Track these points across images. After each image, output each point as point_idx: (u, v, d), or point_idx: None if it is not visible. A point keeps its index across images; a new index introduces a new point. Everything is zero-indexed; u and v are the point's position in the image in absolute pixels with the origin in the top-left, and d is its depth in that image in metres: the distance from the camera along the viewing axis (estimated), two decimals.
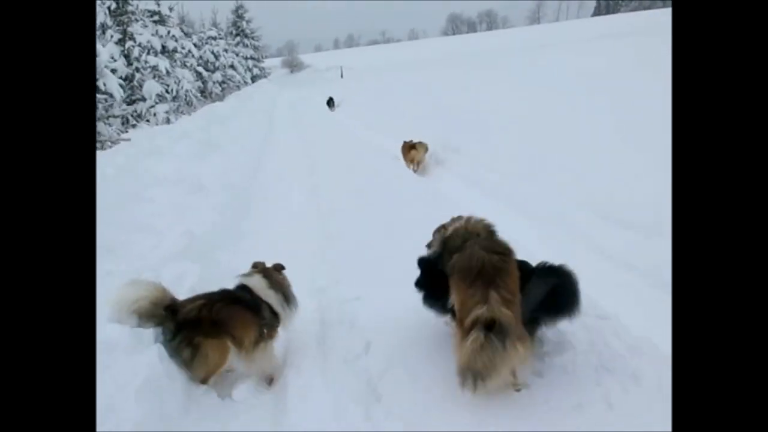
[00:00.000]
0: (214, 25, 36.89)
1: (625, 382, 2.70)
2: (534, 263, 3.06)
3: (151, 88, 16.84)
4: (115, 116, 10.69)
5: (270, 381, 3.10)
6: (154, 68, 17.61)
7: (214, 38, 32.14)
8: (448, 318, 3.10)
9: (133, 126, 15.36)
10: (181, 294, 3.52)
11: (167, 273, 3.69)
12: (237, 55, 37.40)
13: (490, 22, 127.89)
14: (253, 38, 42.82)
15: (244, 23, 42.23)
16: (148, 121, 16.39)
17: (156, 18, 20.00)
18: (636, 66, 10.27)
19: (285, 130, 15.56)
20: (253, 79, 40.24)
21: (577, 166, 6.42)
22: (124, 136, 10.41)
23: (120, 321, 2.83)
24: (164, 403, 2.61)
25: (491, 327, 2.44)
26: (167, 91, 18.53)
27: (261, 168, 9.79)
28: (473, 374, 2.43)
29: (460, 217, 3.15)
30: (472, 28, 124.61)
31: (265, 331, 3.04)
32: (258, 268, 3.28)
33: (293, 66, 56.22)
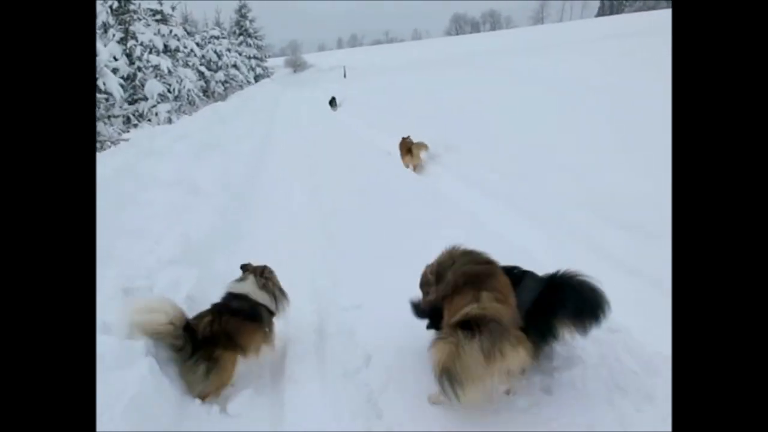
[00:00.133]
0: (217, 24, 36.84)
1: (639, 401, 2.57)
2: (533, 269, 2.96)
3: (153, 87, 16.75)
4: (115, 116, 10.61)
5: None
6: (156, 67, 17.53)
7: (217, 37, 32.07)
8: None
9: (135, 126, 15.27)
10: (178, 300, 3.43)
11: (162, 279, 3.58)
12: (240, 54, 37.35)
13: (494, 22, 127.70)
14: (256, 38, 42.75)
15: (247, 23, 42.16)
16: (149, 120, 16.31)
17: (158, 17, 19.92)
18: (638, 66, 10.14)
19: (287, 129, 15.47)
20: (256, 78, 40.18)
21: (577, 166, 6.39)
22: (124, 136, 10.31)
23: (133, 338, 2.78)
24: (156, 419, 2.49)
25: (480, 324, 2.30)
26: (169, 91, 18.45)
27: (262, 168, 9.70)
28: (449, 378, 2.22)
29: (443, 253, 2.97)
30: (475, 28, 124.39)
31: (267, 330, 3.14)
32: (248, 270, 3.33)
33: (296, 65, 56.13)
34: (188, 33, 25.21)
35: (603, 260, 4.56)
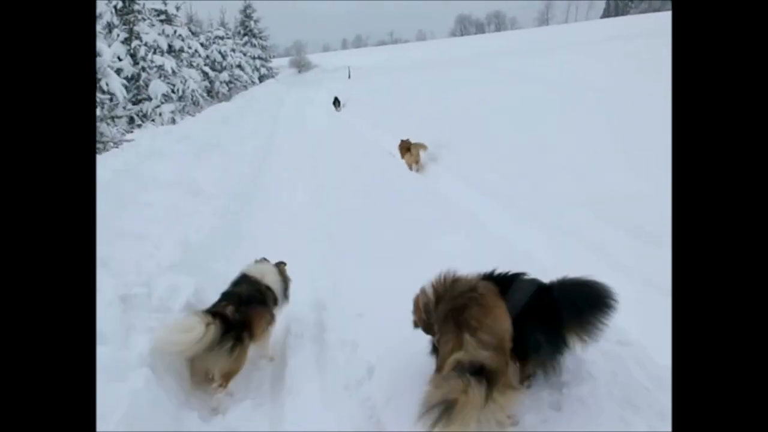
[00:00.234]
0: (222, 24, 36.81)
1: (651, 418, 2.46)
2: (535, 269, 2.88)
3: (157, 87, 16.71)
4: (118, 117, 10.56)
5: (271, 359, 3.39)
6: (160, 68, 17.49)
7: (222, 38, 32.03)
8: None
9: (139, 126, 15.23)
10: (176, 309, 3.35)
11: (161, 285, 3.49)
12: (245, 54, 37.31)
13: (499, 23, 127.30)
14: (261, 38, 42.72)
15: (252, 23, 42.13)
16: (153, 121, 16.26)
17: (163, 17, 19.88)
18: (641, 68, 10.04)
19: (291, 130, 15.44)
20: (261, 79, 40.13)
21: (577, 166, 6.38)
22: (127, 136, 10.25)
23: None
24: None
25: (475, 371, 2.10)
26: (173, 91, 18.41)
27: (264, 170, 9.66)
28: (445, 410, 2.03)
29: (419, 297, 2.79)
30: (480, 29, 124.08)
31: (272, 314, 3.33)
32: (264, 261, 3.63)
33: (301, 66, 56.09)
34: (193, 33, 25.18)
35: (602, 260, 4.53)
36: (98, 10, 15.89)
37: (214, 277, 4.11)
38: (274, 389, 3.05)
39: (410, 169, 8.71)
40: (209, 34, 30.78)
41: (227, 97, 26.84)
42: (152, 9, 18.97)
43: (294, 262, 4.43)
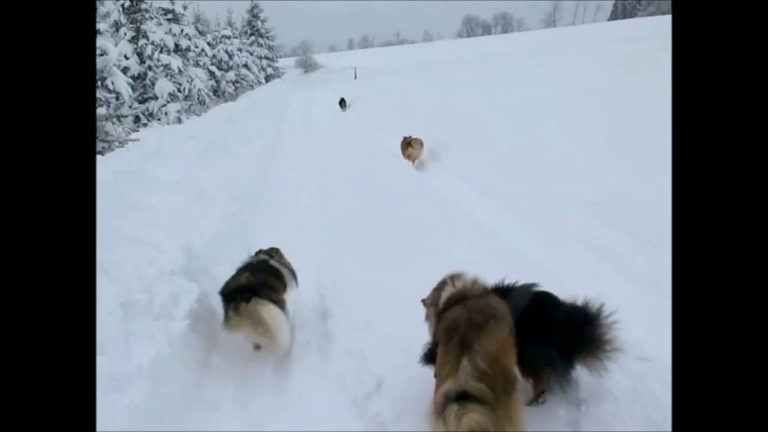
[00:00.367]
0: (229, 24, 36.81)
1: None
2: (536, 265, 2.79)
3: (163, 86, 16.67)
4: (123, 116, 10.48)
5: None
6: (167, 67, 17.45)
7: (229, 37, 32.02)
8: None
9: (144, 125, 15.18)
10: (178, 317, 3.25)
11: (163, 292, 3.38)
12: (251, 54, 37.30)
13: (506, 24, 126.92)
14: (267, 38, 42.70)
15: (259, 23, 42.12)
16: (159, 120, 16.22)
17: (170, 16, 19.85)
18: (646, 71, 9.92)
19: (297, 130, 15.39)
20: (267, 78, 40.11)
21: (576, 167, 6.41)
22: (132, 136, 10.17)
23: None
24: None
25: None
26: (179, 90, 18.36)
27: (270, 170, 9.57)
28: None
29: (447, 281, 2.63)
30: (487, 30, 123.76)
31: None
32: (263, 252, 3.85)
33: (307, 66, 56.06)
34: (200, 32, 25.15)
35: (601, 262, 4.50)
36: (106, 9, 15.85)
37: (217, 282, 4.00)
38: (278, 403, 2.93)
39: (412, 163, 9.03)
40: (216, 34, 30.78)
41: (233, 97, 26.81)
42: (159, 8, 18.94)
43: (300, 265, 4.36)
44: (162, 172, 5.78)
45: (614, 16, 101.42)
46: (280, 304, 3.27)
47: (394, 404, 2.71)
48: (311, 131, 14.60)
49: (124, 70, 15.15)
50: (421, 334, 3.25)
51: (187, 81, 19.15)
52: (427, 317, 2.70)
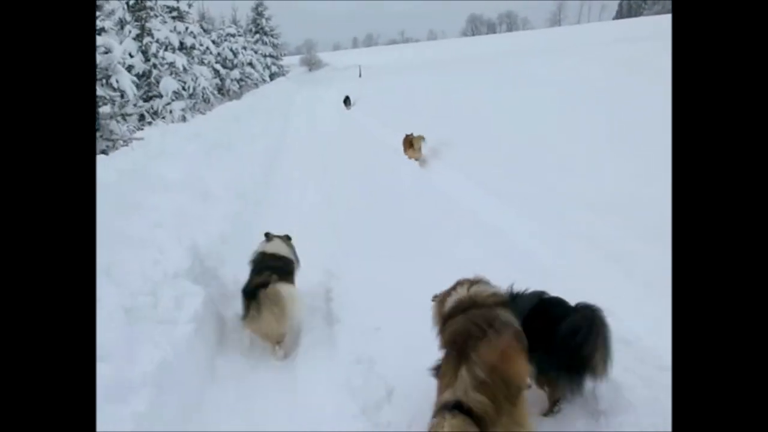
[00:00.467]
0: (234, 22, 36.76)
1: None
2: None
3: (168, 85, 16.60)
4: (128, 114, 10.43)
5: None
6: (172, 65, 17.37)
7: (233, 35, 31.94)
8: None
9: (149, 123, 15.13)
10: (183, 321, 3.17)
11: (167, 295, 3.31)
12: (256, 52, 37.22)
13: (510, 23, 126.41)
14: (272, 36, 42.62)
15: (263, 21, 42.04)
16: (164, 118, 16.16)
17: (175, 14, 19.79)
18: (647, 71, 9.82)
19: (301, 128, 15.34)
20: (272, 77, 40.04)
21: (580, 166, 6.40)
22: (137, 134, 10.10)
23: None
24: None
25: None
26: (184, 89, 18.29)
27: (274, 170, 9.52)
28: None
29: (461, 284, 2.54)
30: (491, 29, 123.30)
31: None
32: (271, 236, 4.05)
33: (312, 64, 55.97)
34: (204, 30, 25.10)
35: (609, 263, 4.41)
36: (111, 7, 15.82)
37: (223, 284, 3.94)
38: (285, 411, 2.84)
39: (415, 160, 9.13)
40: (221, 32, 30.73)
41: (238, 95, 26.76)
42: (164, 6, 18.87)
43: (305, 266, 4.31)
44: (166, 171, 5.70)
45: (620, 15, 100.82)
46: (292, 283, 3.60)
47: (405, 413, 2.62)
48: (316, 130, 14.54)
49: (129, 68, 15.09)
50: (430, 337, 3.18)
51: (192, 79, 19.09)
52: (434, 318, 2.61)
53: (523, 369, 2.03)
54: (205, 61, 22.44)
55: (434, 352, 2.93)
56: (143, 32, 16.67)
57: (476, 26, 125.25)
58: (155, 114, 16.20)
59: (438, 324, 2.43)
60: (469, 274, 4.04)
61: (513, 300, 2.56)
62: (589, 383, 2.54)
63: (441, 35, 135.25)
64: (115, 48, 9.40)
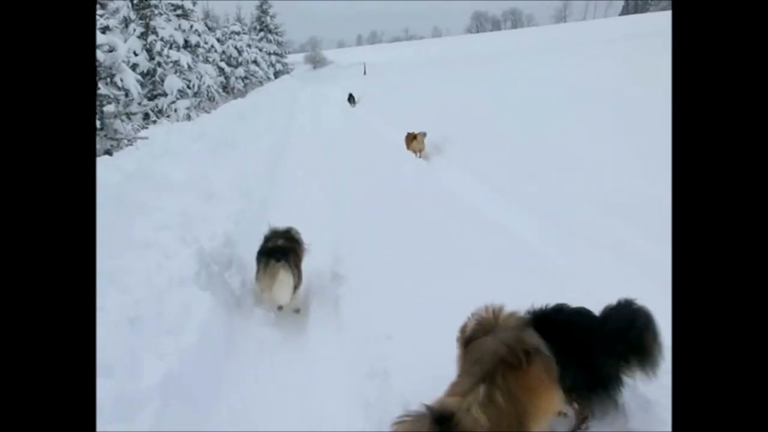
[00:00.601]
0: (238, 20, 36.68)
1: None
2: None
3: (173, 83, 16.52)
4: (132, 113, 10.34)
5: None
6: (176, 63, 17.30)
7: (238, 33, 31.85)
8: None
9: (154, 122, 15.06)
10: (190, 330, 3.06)
11: (172, 302, 3.20)
12: (260, 50, 37.14)
13: (515, 20, 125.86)
14: (276, 33, 42.51)
15: (268, 18, 41.93)
16: (168, 117, 16.09)
17: (179, 12, 19.70)
18: (653, 68, 9.70)
19: (306, 126, 15.25)
20: (276, 74, 39.95)
21: (585, 165, 6.36)
22: (142, 133, 10.02)
23: None
24: None
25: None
26: (188, 87, 18.21)
27: (279, 168, 9.43)
28: None
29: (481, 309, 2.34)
30: (496, 26, 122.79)
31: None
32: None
33: (316, 62, 55.82)
34: (209, 28, 25.02)
35: (623, 264, 4.29)
36: (115, 5, 15.75)
37: (229, 289, 3.82)
38: (298, 426, 2.72)
39: (417, 155, 9.28)
40: (225, 30, 30.64)
41: (242, 93, 26.69)
42: (169, 4, 18.79)
43: (311, 270, 4.25)
44: (171, 171, 5.60)
45: (626, 11, 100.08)
46: (298, 272, 3.88)
47: None
48: (320, 128, 14.44)
49: (134, 67, 15.02)
50: (445, 346, 3.06)
51: (197, 77, 19.00)
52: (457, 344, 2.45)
53: (552, 403, 1.91)
54: (210, 59, 22.36)
55: (449, 365, 2.84)
56: (148, 30, 16.59)
57: (481, 23, 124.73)
58: (160, 112, 16.12)
59: (459, 349, 2.28)
60: (477, 277, 3.95)
61: (539, 319, 2.40)
62: (621, 397, 2.44)
63: (445, 32, 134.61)
64: (119, 46, 9.29)
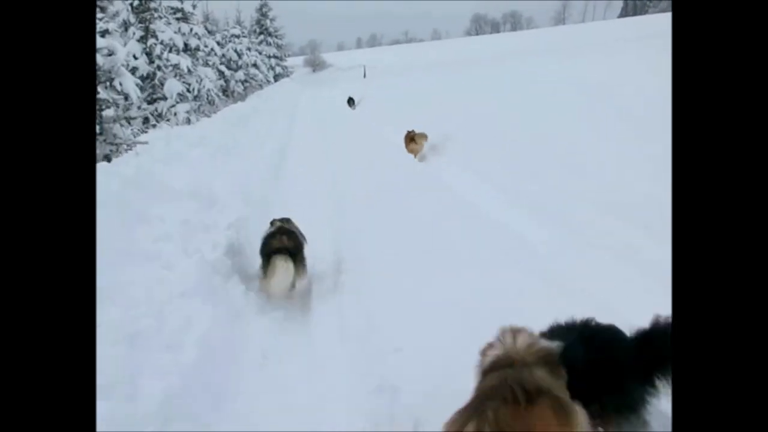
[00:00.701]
0: (238, 23, 36.66)
1: None
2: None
3: (172, 86, 16.46)
4: (132, 118, 10.27)
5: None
6: (176, 66, 17.24)
7: (238, 36, 31.84)
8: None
9: (153, 126, 14.98)
10: (190, 344, 2.96)
11: (174, 316, 3.09)
12: (260, 53, 37.13)
13: (515, 22, 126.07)
14: (276, 36, 42.51)
15: (267, 21, 41.94)
16: (168, 120, 16.02)
17: (179, 15, 19.64)
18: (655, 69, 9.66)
19: (306, 129, 15.22)
20: (276, 78, 39.95)
21: (587, 165, 6.33)
22: (141, 138, 9.93)
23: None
24: None
25: None
26: (188, 90, 18.15)
27: (280, 173, 9.35)
28: None
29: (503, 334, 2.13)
30: (495, 28, 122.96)
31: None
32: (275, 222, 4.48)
33: (315, 65, 55.87)
34: (209, 31, 24.97)
35: (624, 265, 4.22)
36: (115, 8, 15.69)
37: (231, 302, 3.71)
38: None
39: (414, 156, 9.35)
40: (225, 33, 30.63)
41: (242, 97, 26.62)
42: (169, 7, 18.74)
43: (313, 273, 4.25)
44: (172, 178, 5.49)
45: (624, 12, 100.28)
46: (301, 262, 4.17)
47: None
48: (320, 131, 14.40)
49: (133, 70, 14.96)
50: (457, 357, 2.96)
51: (197, 81, 18.95)
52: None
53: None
54: (210, 63, 22.31)
55: (463, 380, 2.73)
56: (147, 34, 16.53)
57: (480, 26, 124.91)
58: (160, 116, 16.05)
59: (478, 378, 2.15)
60: (478, 277, 3.84)
61: (567, 345, 2.23)
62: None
63: (445, 35, 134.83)
64: (118, 50, 9.22)
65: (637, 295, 3.56)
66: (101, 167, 5.16)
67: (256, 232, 5.62)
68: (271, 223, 4.48)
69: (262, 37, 40.99)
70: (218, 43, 25.95)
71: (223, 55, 27.12)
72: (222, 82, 25.11)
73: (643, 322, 2.93)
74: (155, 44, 16.69)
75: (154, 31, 16.77)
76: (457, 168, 8.42)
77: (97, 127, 8.50)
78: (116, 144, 8.80)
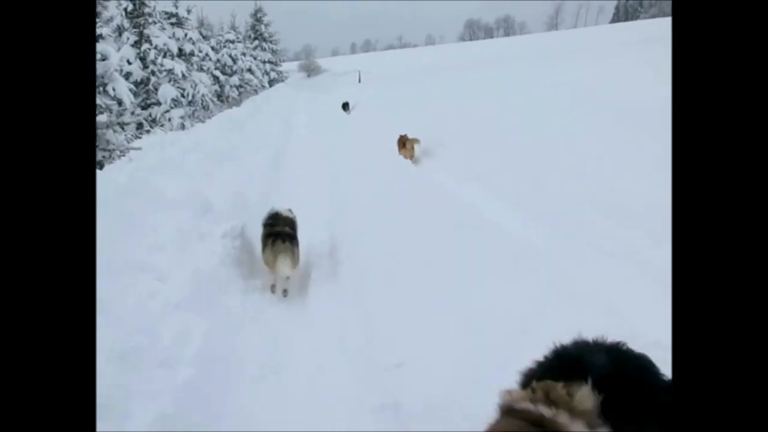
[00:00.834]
0: (233, 28, 36.57)
1: None
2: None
3: (167, 92, 16.34)
4: (125, 123, 10.15)
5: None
6: (170, 71, 17.12)
7: (232, 41, 31.74)
8: None
9: (147, 131, 14.84)
10: (185, 361, 2.85)
11: (168, 330, 2.98)
12: (255, 58, 37.03)
13: (507, 28, 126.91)
14: (271, 42, 42.45)
15: (262, 27, 41.87)
16: (162, 126, 15.88)
17: (173, 20, 19.55)
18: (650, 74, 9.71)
19: (302, 134, 15.16)
20: (271, 83, 39.84)
21: (586, 169, 6.31)
22: (135, 144, 9.80)
23: None
24: None
25: None
26: (183, 96, 18.03)
27: (275, 180, 9.25)
28: None
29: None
30: (489, 33, 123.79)
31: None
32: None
33: (310, 70, 55.82)
34: (203, 37, 24.87)
35: (624, 266, 4.18)
36: (109, 13, 15.57)
37: (227, 314, 3.60)
38: None
39: (409, 160, 9.41)
40: (220, 38, 30.53)
41: (237, 102, 26.50)
42: (163, 12, 18.64)
43: (312, 278, 4.09)
44: (166, 185, 5.37)
45: (616, 18, 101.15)
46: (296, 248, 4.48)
47: None
48: (316, 135, 14.31)
49: (127, 76, 14.83)
50: (462, 376, 2.87)
51: (191, 86, 18.83)
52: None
53: None
54: (204, 68, 22.19)
55: (468, 395, 2.64)
56: (141, 39, 16.42)
57: (474, 31, 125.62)
58: (153, 122, 15.92)
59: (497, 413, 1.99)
60: (479, 282, 3.72)
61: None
62: None
63: (439, 40, 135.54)
64: (112, 55, 9.11)
65: (638, 296, 3.53)
66: None
67: (252, 240, 5.54)
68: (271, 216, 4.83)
69: (257, 42, 40.91)
70: (213, 48, 25.85)
71: (218, 60, 27.01)
72: (217, 87, 24.99)
73: (643, 322, 2.88)
74: (149, 49, 16.58)
75: (148, 36, 16.66)
76: (454, 172, 8.39)
77: None
78: (109, 150, 8.67)
